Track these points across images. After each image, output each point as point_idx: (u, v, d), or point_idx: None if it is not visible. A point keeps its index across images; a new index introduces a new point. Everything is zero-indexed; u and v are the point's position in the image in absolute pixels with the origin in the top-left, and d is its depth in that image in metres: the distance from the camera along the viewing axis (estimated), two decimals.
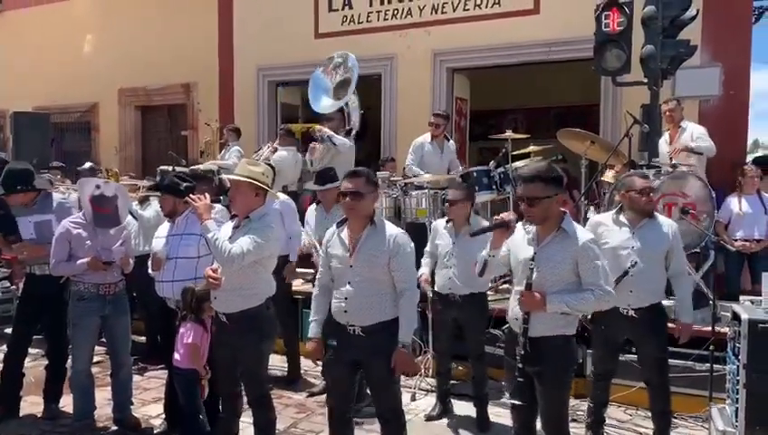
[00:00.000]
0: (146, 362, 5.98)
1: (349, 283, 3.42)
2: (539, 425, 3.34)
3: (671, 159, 5.73)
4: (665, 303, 4.18)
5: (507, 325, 3.45)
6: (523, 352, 3.14)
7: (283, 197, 5.63)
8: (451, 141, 7.36)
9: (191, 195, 3.88)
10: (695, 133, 6.12)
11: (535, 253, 3.16)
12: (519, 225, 3.42)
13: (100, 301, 4.41)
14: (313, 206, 5.57)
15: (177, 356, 4.12)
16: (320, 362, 3.69)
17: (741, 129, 7.48)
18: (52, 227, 4.58)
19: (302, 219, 5.65)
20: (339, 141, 6.76)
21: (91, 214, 4.40)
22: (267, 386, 3.89)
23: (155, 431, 4.61)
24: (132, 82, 11.26)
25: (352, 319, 3.42)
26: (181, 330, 4.10)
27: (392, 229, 3.46)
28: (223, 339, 3.75)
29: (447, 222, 4.77)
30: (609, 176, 6.06)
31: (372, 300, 3.39)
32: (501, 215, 3.43)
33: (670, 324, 4.21)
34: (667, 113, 6.21)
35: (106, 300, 4.43)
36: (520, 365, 3.15)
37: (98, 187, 4.44)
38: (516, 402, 3.23)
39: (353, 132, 7.24)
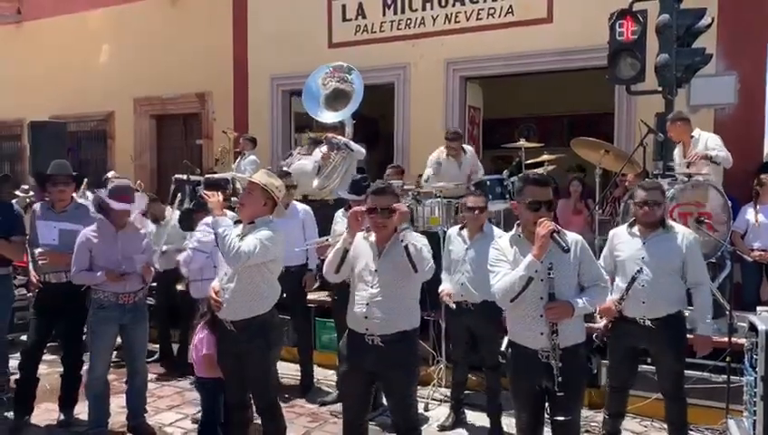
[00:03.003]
0: (168, 369, 6.11)
1: (372, 286, 3.41)
2: None
3: (688, 167, 5.67)
4: (685, 313, 4.10)
5: (503, 344, 3.36)
6: (561, 365, 3.06)
7: (304, 206, 5.67)
8: (468, 148, 7.24)
9: (205, 192, 3.94)
10: (709, 142, 6.03)
11: (552, 262, 3.09)
12: (505, 235, 3.39)
13: (119, 310, 4.44)
14: (341, 212, 5.55)
15: (196, 366, 4.14)
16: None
17: (757, 137, 7.41)
18: (76, 239, 4.56)
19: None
20: (355, 147, 6.80)
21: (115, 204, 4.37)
22: (275, 394, 3.86)
23: None
24: (147, 91, 11.35)
25: (372, 327, 3.39)
26: (196, 339, 4.11)
27: (412, 233, 3.51)
28: (228, 348, 3.73)
29: (461, 229, 4.78)
30: None
31: (394, 307, 3.38)
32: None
33: (689, 335, 4.13)
34: (668, 133, 5.98)
35: (125, 309, 4.46)
36: (560, 379, 3.05)
37: (108, 179, 4.42)
38: (562, 419, 3.10)
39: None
